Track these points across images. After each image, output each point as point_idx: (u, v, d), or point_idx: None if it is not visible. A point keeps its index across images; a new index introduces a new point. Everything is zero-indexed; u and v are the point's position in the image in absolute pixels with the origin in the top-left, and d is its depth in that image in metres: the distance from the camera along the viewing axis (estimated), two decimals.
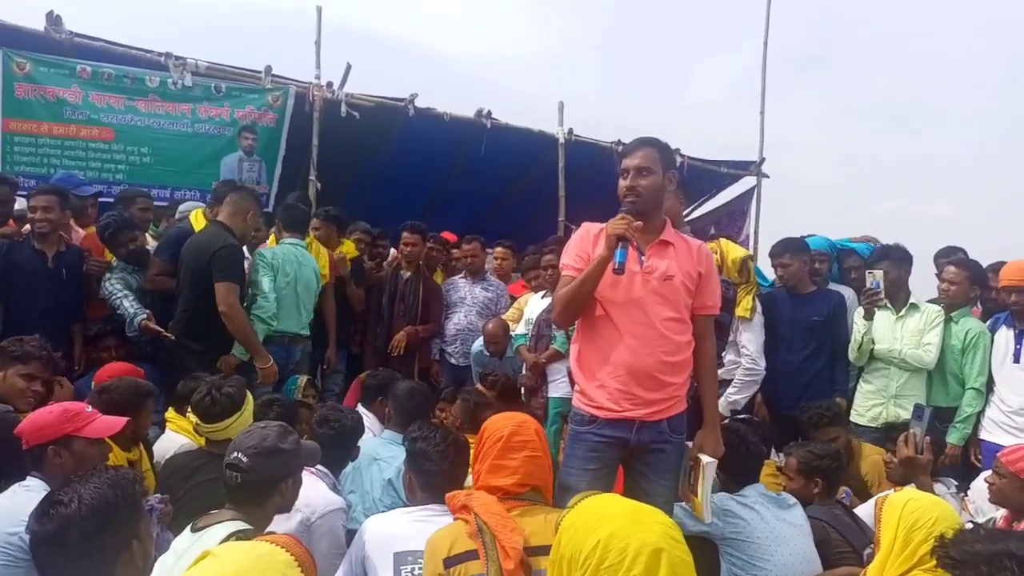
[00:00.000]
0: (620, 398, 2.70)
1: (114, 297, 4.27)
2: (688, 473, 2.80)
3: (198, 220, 4.68)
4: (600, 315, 2.77)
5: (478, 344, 5.34)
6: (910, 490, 2.61)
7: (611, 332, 2.75)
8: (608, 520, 1.87)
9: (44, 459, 2.47)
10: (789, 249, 4.59)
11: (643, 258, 2.71)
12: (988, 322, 4.44)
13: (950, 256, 4.49)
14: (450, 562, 2.14)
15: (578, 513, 1.96)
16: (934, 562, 1.99)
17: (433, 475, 2.57)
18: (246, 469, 2.17)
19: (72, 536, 1.74)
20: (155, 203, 5.55)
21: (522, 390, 5.03)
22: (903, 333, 4.36)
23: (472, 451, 2.65)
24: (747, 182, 9.04)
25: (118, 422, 2.62)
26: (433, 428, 2.74)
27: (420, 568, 2.27)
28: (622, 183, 2.78)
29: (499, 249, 6.19)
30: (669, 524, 1.91)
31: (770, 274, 4.91)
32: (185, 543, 2.12)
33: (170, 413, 3.60)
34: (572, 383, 4.43)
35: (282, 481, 2.26)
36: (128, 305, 4.22)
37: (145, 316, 4.17)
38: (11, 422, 2.60)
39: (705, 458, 2.73)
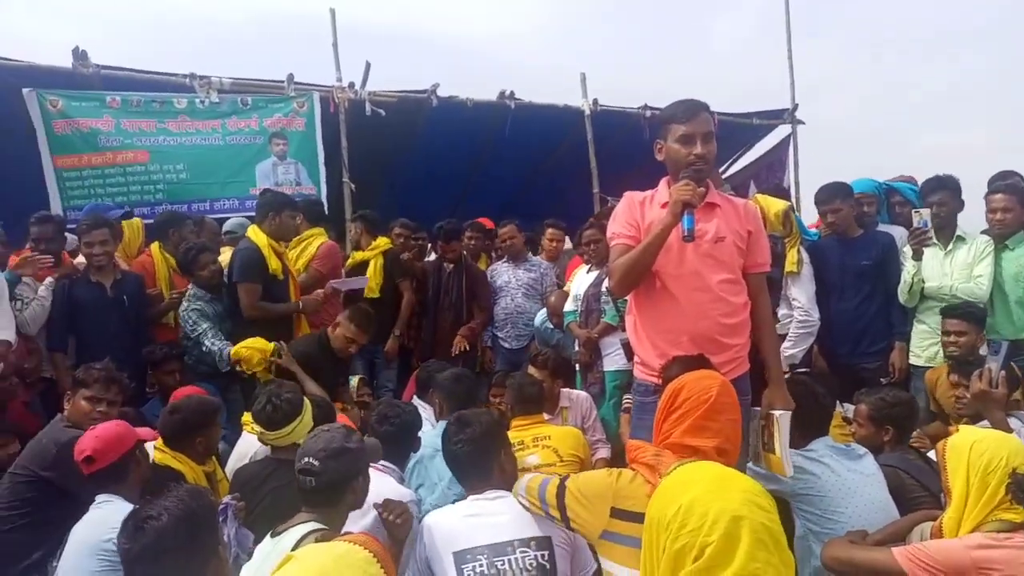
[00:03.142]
0: None
1: (195, 333, 4.41)
2: (760, 433, 2.77)
3: (257, 236, 4.67)
4: (654, 284, 2.75)
5: (541, 316, 5.37)
6: (969, 430, 2.42)
7: (667, 300, 2.72)
8: (692, 486, 1.92)
9: (128, 471, 2.59)
10: (839, 194, 4.46)
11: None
12: None
13: (1005, 181, 4.33)
14: (618, 514, 2.15)
15: (669, 479, 2.00)
16: (1010, 500, 1.95)
17: (463, 469, 2.66)
18: (319, 472, 2.23)
19: (168, 548, 1.77)
20: (198, 216, 5.71)
21: (577, 366, 5.03)
22: (952, 268, 4.22)
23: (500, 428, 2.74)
24: (782, 131, 8.80)
25: (152, 432, 2.92)
26: (454, 422, 2.74)
27: (481, 565, 2.31)
28: (685, 149, 2.68)
29: (550, 231, 6.20)
30: (754, 491, 1.92)
31: (810, 224, 4.79)
32: (266, 549, 2.19)
33: (246, 417, 3.70)
34: (627, 355, 4.42)
35: (353, 480, 2.32)
36: (209, 343, 4.34)
37: (230, 347, 4.27)
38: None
39: (777, 411, 2.70)
